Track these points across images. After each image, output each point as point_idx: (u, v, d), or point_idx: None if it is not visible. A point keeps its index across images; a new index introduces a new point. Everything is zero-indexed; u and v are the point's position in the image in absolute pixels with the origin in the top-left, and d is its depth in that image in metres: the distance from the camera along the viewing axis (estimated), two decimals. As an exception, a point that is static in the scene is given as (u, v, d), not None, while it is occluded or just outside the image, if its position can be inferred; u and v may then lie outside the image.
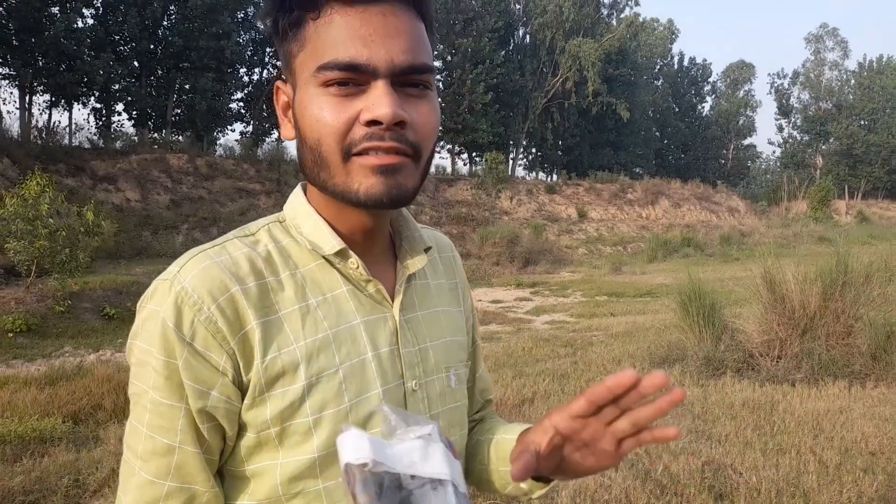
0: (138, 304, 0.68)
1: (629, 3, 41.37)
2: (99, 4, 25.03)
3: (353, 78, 0.65)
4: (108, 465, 3.89)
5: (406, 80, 0.66)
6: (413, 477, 0.43)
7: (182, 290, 0.65)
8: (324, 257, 0.72)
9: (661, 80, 52.18)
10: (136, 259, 16.28)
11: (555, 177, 40.72)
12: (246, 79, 30.64)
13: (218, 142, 29.33)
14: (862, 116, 47.59)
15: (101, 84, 24.49)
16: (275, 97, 0.75)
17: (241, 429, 0.69)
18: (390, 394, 0.72)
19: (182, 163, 23.88)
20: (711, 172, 50.98)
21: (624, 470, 3.51)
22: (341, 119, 0.65)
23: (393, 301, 0.75)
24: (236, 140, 30.94)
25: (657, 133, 50.48)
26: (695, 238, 25.17)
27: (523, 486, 0.76)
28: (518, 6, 39.31)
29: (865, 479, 3.43)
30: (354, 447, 0.43)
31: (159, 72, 27.05)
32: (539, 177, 42.01)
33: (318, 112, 0.66)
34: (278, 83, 0.74)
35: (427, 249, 0.80)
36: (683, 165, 50.86)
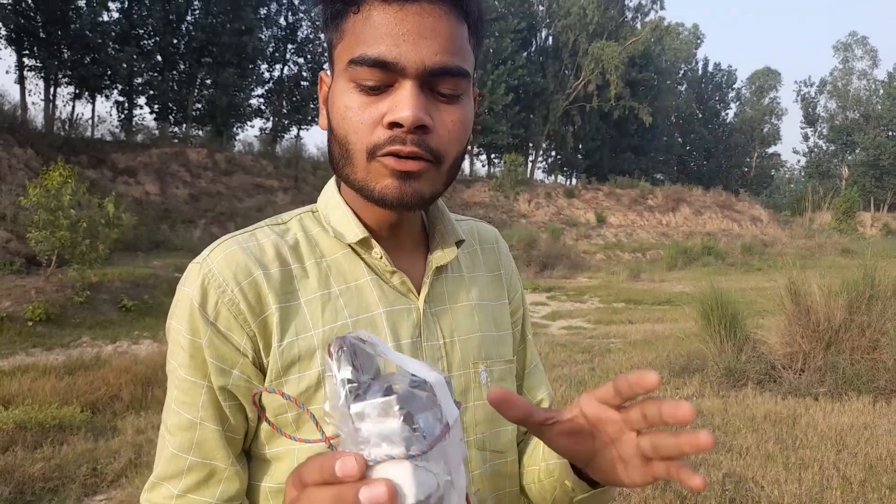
0: (177, 287, 0.71)
1: (654, 6, 41.06)
2: (125, -2, 25.36)
3: (381, 77, 0.64)
4: (126, 456, 3.91)
5: (437, 82, 0.65)
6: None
7: (209, 272, 0.67)
8: (350, 247, 0.73)
9: (684, 86, 51.71)
10: (153, 252, 16.46)
11: (574, 181, 40.54)
12: (267, 75, 30.91)
13: (237, 137, 29.60)
14: (890, 127, 46.77)
15: (124, 77, 24.84)
16: (319, 86, 0.75)
17: (263, 411, 0.69)
18: None
19: (201, 157, 24.11)
20: (734, 180, 50.40)
21: (643, 480, 3.45)
22: (366, 119, 0.65)
23: (419, 293, 0.74)
24: (255, 136, 31.16)
25: (679, 139, 50.03)
26: (716, 247, 24.90)
27: (567, 483, 0.71)
28: (541, 7, 39.20)
29: (892, 496, 3.34)
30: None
31: (181, 66, 27.36)
32: (558, 180, 41.86)
33: (344, 110, 0.66)
34: (322, 73, 0.74)
35: (460, 242, 0.78)
36: (706, 172, 50.36)
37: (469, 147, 0.74)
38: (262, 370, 0.68)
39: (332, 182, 0.78)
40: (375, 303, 0.72)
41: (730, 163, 53.00)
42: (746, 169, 54.21)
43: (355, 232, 0.71)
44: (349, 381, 0.43)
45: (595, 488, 0.70)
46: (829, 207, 34.24)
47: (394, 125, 0.64)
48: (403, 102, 0.63)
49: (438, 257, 0.76)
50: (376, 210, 0.72)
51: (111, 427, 4.59)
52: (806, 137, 54.00)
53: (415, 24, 0.63)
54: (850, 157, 48.78)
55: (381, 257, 0.72)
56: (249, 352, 0.67)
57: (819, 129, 52.77)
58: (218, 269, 0.67)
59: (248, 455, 0.73)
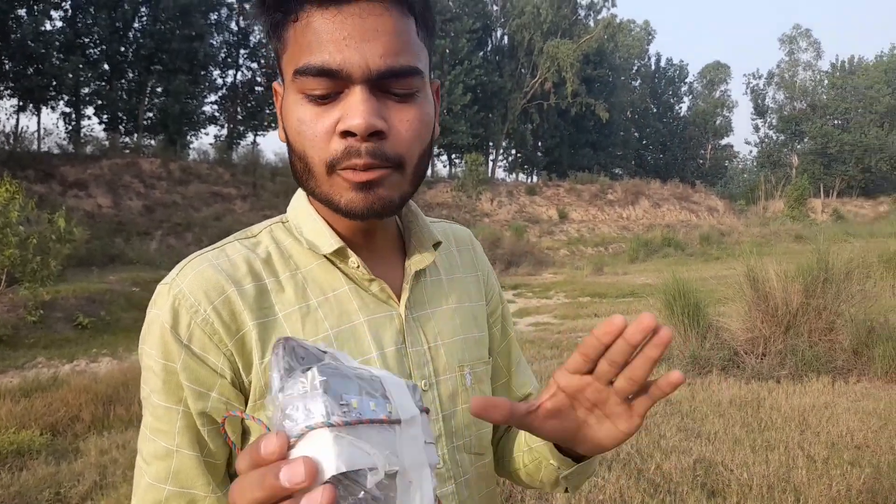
0: (147, 311, 0.68)
1: (606, 4, 41.73)
2: (67, 6, 24.60)
3: (329, 85, 0.62)
4: (90, 478, 3.78)
5: (388, 84, 0.63)
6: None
7: (179, 293, 0.65)
8: (325, 256, 0.71)
9: (638, 81, 52.72)
10: (109, 267, 15.99)
11: (535, 178, 40.90)
12: (220, 81, 30.36)
13: (191, 146, 28.99)
14: (835, 116, 48.51)
15: (70, 87, 24.10)
16: (274, 97, 0.72)
17: (246, 433, 0.67)
18: None
19: (155, 167, 23.55)
20: (690, 172, 51.60)
21: (617, 469, 3.49)
22: (319, 131, 0.63)
23: (399, 299, 0.73)
24: (210, 144, 30.58)
25: (636, 133, 50.98)
26: (675, 238, 25.43)
27: (552, 461, 0.71)
28: (496, 7, 39.46)
29: (853, 472, 3.45)
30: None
31: (130, 74, 26.68)
32: (519, 178, 42.21)
33: (298, 123, 0.64)
34: (275, 84, 0.72)
35: (437, 245, 0.77)
36: (662, 165, 51.40)
37: (435, 139, 0.72)
38: (241, 390, 0.66)
39: (300, 191, 0.75)
40: (356, 312, 0.70)
41: (685, 155, 54.24)
42: (701, 161, 55.56)
43: (330, 242, 0.69)
44: (285, 369, 0.43)
45: (579, 462, 0.70)
46: (782, 196, 35.32)
47: (347, 134, 0.62)
48: (353, 109, 0.61)
49: (416, 261, 0.75)
50: (347, 219, 0.70)
51: (73, 449, 4.42)
52: (756, 128, 55.56)
53: (355, 26, 0.61)
54: (799, 147, 50.41)
55: (358, 266, 0.70)
56: (227, 372, 0.65)
57: (769, 119, 54.42)
58: (188, 288, 0.65)
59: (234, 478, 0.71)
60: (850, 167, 45.42)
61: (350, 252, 0.70)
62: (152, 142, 26.84)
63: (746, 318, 6.47)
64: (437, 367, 0.74)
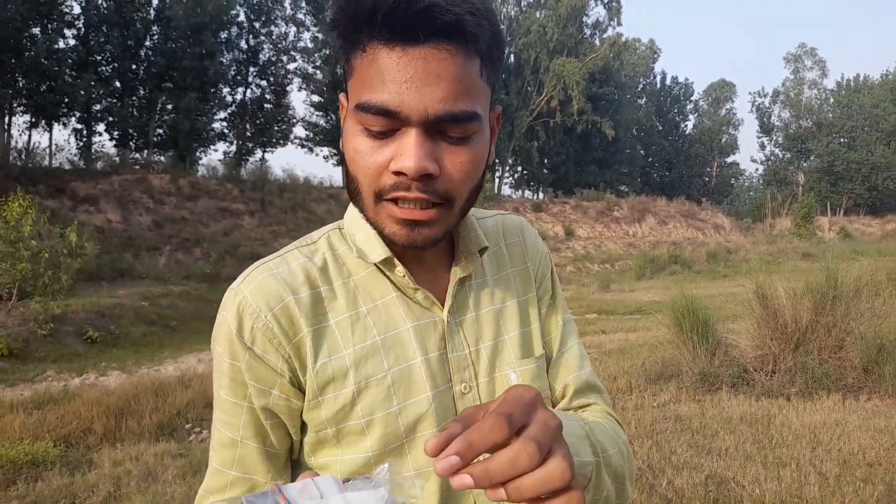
0: (219, 312, 0.74)
1: (611, 23, 42.08)
2: (81, 25, 25.00)
3: (386, 123, 0.64)
4: (105, 489, 3.81)
5: (444, 128, 0.64)
6: None
7: (243, 300, 0.71)
8: (374, 265, 0.75)
9: (644, 99, 52.93)
10: (118, 281, 16.08)
11: (541, 195, 40.99)
12: (229, 98, 30.69)
13: (200, 162, 29.24)
14: (841, 134, 48.51)
15: (82, 104, 24.40)
16: (340, 108, 0.76)
17: (304, 426, 0.74)
18: (440, 397, 0.73)
19: (164, 183, 23.72)
20: (696, 190, 51.58)
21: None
22: (372, 164, 0.65)
23: (443, 305, 0.76)
24: (219, 160, 30.81)
25: (642, 151, 51.07)
26: (682, 255, 25.39)
27: None
28: (502, 26, 39.70)
29: (866, 489, 3.45)
30: None
31: (141, 92, 27.02)
32: (525, 195, 42.31)
33: (353, 152, 0.67)
34: (341, 95, 0.75)
35: (483, 250, 0.79)
36: (668, 183, 51.44)
37: (488, 165, 0.75)
38: (300, 389, 0.72)
39: None
40: (402, 319, 0.74)
41: (691, 172, 54.26)
42: (707, 178, 55.57)
43: (378, 252, 0.73)
44: None
45: None
46: (788, 213, 35.23)
47: (399, 173, 0.64)
48: (407, 152, 0.63)
49: (461, 269, 0.77)
50: None
51: (86, 461, 4.46)
52: (762, 146, 55.57)
53: (418, 69, 0.61)
54: (805, 164, 50.40)
55: (404, 276, 0.74)
56: (286, 372, 0.71)
57: (774, 137, 54.48)
58: (251, 296, 0.71)
59: (297, 463, 0.77)
60: (856, 185, 45.34)
61: (396, 262, 0.73)
62: (162, 158, 27.10)
63: (755, 335, 6.46)
64: (477, 370, 0.76)
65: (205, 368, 7.98)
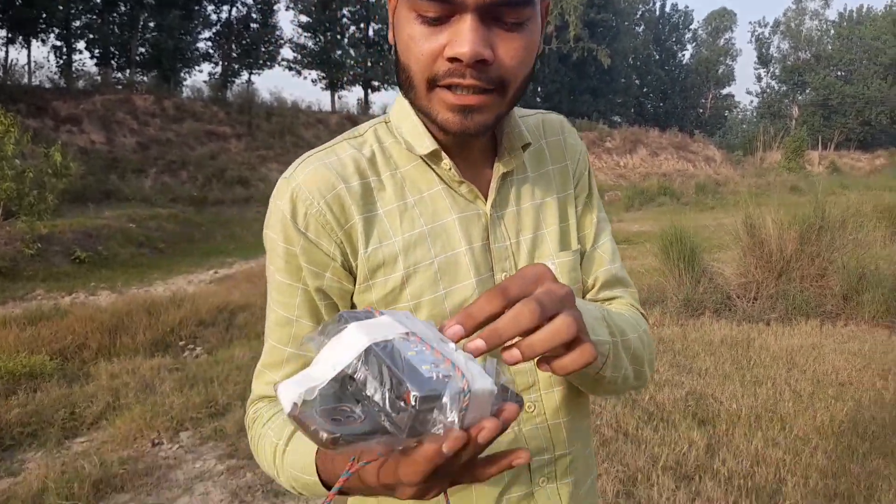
0: (270, 200, 0.77)
1: (612, -56, 40.38)
2: (58, -66, 23.60)
3: (441, 9, 0.63)
4: (104, 399, 3.92)
5: (500, 12, 0.64)
6: (342, 371, 0.44)
7: (296, 188, 0.73)
8: (420, 157, 0.76)
9: (642, 27, 51.52)
10: (104, 203, 15.93)
11: (533, 124, 40.37)
12: (214, 17, 29.44)
13: (185, 83, 28.33)
14: (839, 67, 47.77)
15: (60, 20, 23.37)
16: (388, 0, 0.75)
17: (354, 308, 0.77)
18: (483, 284, 0.76)
19: (148, 104, 23.07)
20: (689, 121, 51.06)
21: (612, 399, 3.64)
22: (426, 51, 0.65)
23: (486, 198, 0.78)
24: (204, 81, 29.88)
25: (637, 81, 50.15)
26: (671, 187, 25.40)
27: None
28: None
29: (837, 405, 3.62)
30: (285, 396, 0.43)
31: (122, 8, 25.82)
32: (517, 124, 41.62)
33: (407, 39, 0.67)
34: None
35: (526, 146, 0.81)
36: (662, 114, 50.82)
37: (539, 55, 0.75)
38: (351, 273, 0.75)
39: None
40: (447, 210, 0.76)
41: (685, 104, 53.55)
42: (701, 110, 54.92)
43: (426, 144, 0.75)
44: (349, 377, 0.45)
45: None
46: (780, 147, 35.10)
47: (453, 59, 0.64)
48: (462, 37, 0.62)
49: (505, 163, 0.79)
50: None
51: (83, 373, 4.56)
52: (759, 78, 54.76)
53: None
54: (800, 98, 49.82)
55: (450, 168, 0.75)
56: (338, 257, 0.74)
57: (772, 69, 53.56)
58: (304, 184, 0.73)
59: None
60: (849, 120, 45.04)
61: (443, 154, 0.75)
62: (145, 78, 26.25)
63: (740, 264, 6.59)
64: (517, 261, 0.79)
65: (195, 289, 8.05)
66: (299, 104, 27.64)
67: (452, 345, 0.47)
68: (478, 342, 0.48)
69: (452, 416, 0.42)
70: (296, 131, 25.05)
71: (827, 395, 3.82)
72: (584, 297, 0.86)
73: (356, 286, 0.76)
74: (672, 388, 3.91)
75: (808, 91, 48.61)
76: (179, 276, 9.85)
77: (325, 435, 0.42)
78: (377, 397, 0.43)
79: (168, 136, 22.49)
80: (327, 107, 29.46)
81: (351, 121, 26.00)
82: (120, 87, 24.25)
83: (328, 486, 0.65)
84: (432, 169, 0.77)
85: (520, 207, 0.81)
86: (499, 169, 0.79)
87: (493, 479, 0.58)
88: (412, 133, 0.76)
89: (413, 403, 0.41)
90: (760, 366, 4.43)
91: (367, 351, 0.44)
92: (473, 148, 0.79)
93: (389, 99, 40.37)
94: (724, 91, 56.94)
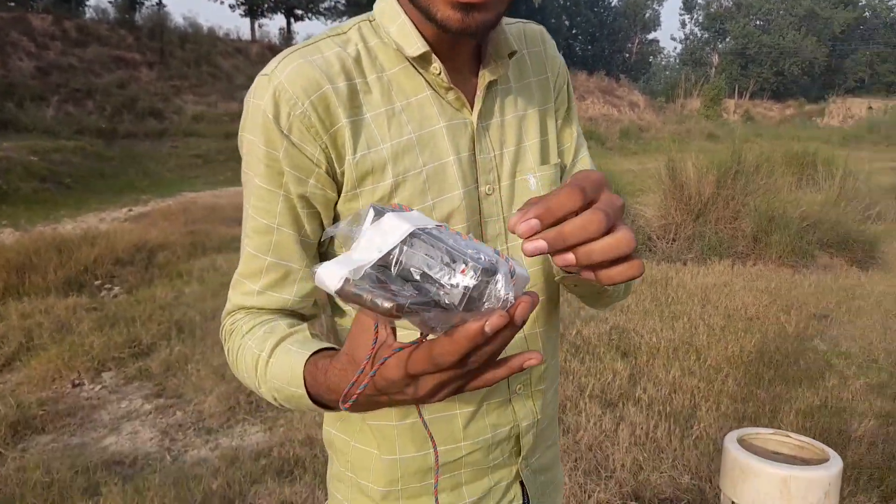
0: (245, 100, 0.71)
1: None
2: None
3: None
4: (16, 340, 3.71)
5: None
6: (389, 253, 0.44)
7: (279, 86, 0.68)
8: (408, 60, 0.73)
9: (572, -35, 51.06)
10: (1, 133, 14.66)
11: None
12: (121, -72, 26.86)
13: (87, 3, 26.01)
14: (759, 16, 49.32)
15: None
16: None
17: (337, 218, 0.74)
18: (468, 196, 0.75)
19: (47, 25, 21.08)
20: (616, 66, 51.65)
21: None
22: None
23: (472, 108, 0.76)
24: (109, 2, 27.51)
25: (567, 22, 50.04)
26: (596, 131, 25.88)
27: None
28: None
29: (746, 337, 3.90)
30: (329, 276, 0.44)
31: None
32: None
33: None
34: None
35: (512, 54, 0.77)
36: (590, 57, 51.13)
37: None
38: (335, 180, 0.71)
39: None
40: (436, 117, 0.73)
41: (612, 48, 54.06)
42: (627, 55, 55.67)
43: (417, 46, 0.71)
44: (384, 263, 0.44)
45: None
46: (699, 95, 36.26)
47: None
48: None
49: (491, 71, 0.76)
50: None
51: (-9, 314, 4.28)
52: (683, 24, 55.80)
53: None
54: (721, 46, 51.35)
55: (440, 73, 0.72)
56: (323, 163, 0.70)
57: (695, 16, 54.73)
58: (288, 82, 0.68)
59: (325, 256, 0.78)
60: (765, 69, 46.93)
61: (434, 58, 0.71)
62: (41, -5, 23.88)
63: (661, 207, 6.86)
64: (500, 173, 0.78)
65: (108, 227, 7.62)
66: (216, 31, 26.01)
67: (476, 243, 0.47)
68: (539, 243, 0.47)
69: (507, 292, 0.42)
70: (213, 61, 23.59)
71: (737, 328, 4.11)
72: None
73: (342, 194, 0.72)
74: (597, 323, 4.09)
75: (728, 39, 50.11)
76: (90, 214, 9.28)
77: (387, 303, 0.41)
78: (433, 272, 0.42)
79: (70, 62, 20.70)
80: (246, 34, 27.87)
81: (272, 51, 24.71)
82: (13, 3, 22.02)
83: (315, 400, 0.63)
84: (420, 73, 0.73)
85: (503, 118, 0.79)
86: (485, 77, 0.76)
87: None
88: (401, 34, 0.72)
89: (472, 275, 0.41)
90: (678, 302, 4.69)
91: (413, 235, 0.43)
92: (461, 53, 0.75)
93: (314, 29, 38.54)
94: (650, 36, 57.81)
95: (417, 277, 0.43)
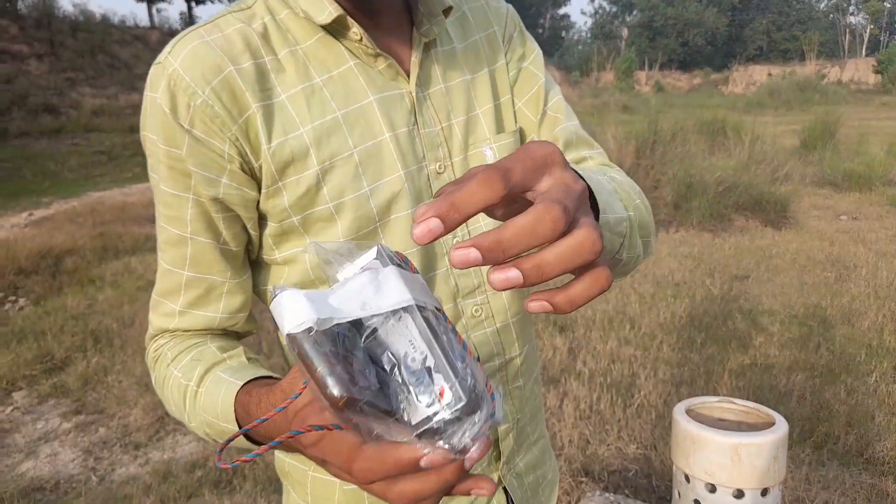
0: (144, 94, 0.62)
1: None
2: None
3: None
4: None
5: None
6: (372, 318, 0.35)
7: (174, 74, 0.59)
8: (324, 28, 0.63)
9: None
10: None
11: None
12: None
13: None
14: (662, -11, 51.01)
15: None
16: None
17: (263, 218, 0.65)
18: (412, 177, 0.65)
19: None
20: (529, 42, 52.39)
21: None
22: None
23: (409, 76, 0.66)
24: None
25: (479, 0, 50.17)
26: (516, 106, 26.21)
27: None
28: None
29: (676, 303, 4.02)
30: (292, 311, 0.33)
31: None
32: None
33: None
34: None
35: (447, 11, 0.68)
36: (503, 34, 51.59)
37: None
38: (252, 176, 0.62)
39: None
40: (363, 90, 0.64)
41: (525, 24, 54.70)
42: (540, 31, 56.49)
43: (328, 10, 0.61)
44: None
45: None
46: (612, 68, 37.24)
47: None
48: None
49: (425, 32, 0.67)
50: None
51: None
52: (592, -1, 57.04)
53: None
54: (629, 19, 52.85)
55: (361, 38, 0.62)
56: (235, 158, 0.60)
57: (603, -10, 56.05)
58: (183, 68, 0.58)
59: (256, 263, 0.70)
60: (671, 41, 48.73)
61: (351, 21, 0.62)
62: None
63: (585, 179, 7.01)
64: (451, 147, 0.68)
65: (8, 235, 7.04)
66: (111, 18, 24.49)
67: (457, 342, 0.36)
68: (470, 253, 0.32)
69: (468, 440, 0.33)
70: (109, 50, 22.21)
71: (666, 294, 4.23)
72: None
73: (262, 191, 0.62)
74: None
75: (635, 12, 51.64)
76: (-14, 221, 8.56)
77: (336, 390, 0.31)
78: (405, 372, 0.33)
79: (-51, 55, 18.99)
80: (145, 21, 26.39)
81: (174, 37, 23.58)
82: None
83: (248, 436, 0.54)
84: (340, 42, 0.64)
85: (448, 85, 0.69)
86: (419, 39, 0.67)
87: None
88: (309, 0, 0.62)
89: (450, 403, 0.32)
90: (608, 272, 4.79)
91: (408, 310, 0.34)
92: (384, 13, 0.66)
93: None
94: (561, 11, 58.92)
95: (386, 366, 0.34)
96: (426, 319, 0.34)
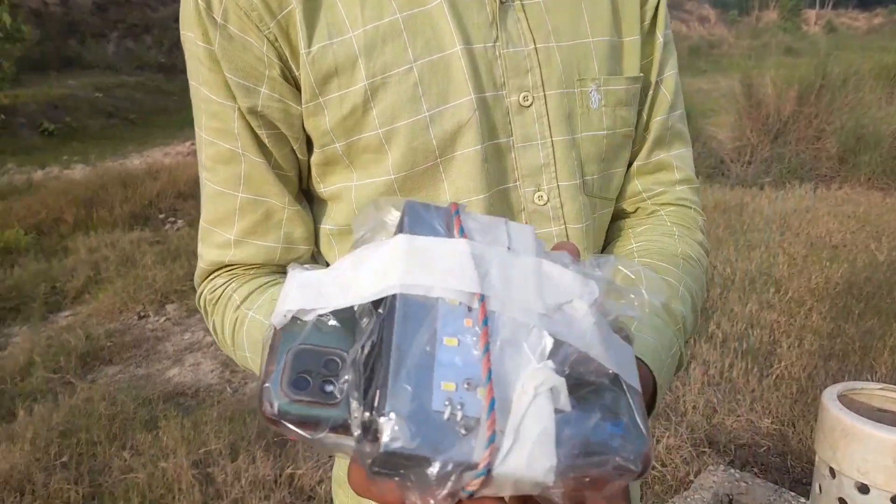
0: None
1: None
2: None
3: None
4: (84, 273, 3.80)
5: None
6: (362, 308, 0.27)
7: None
8: None
9: None
10: (66, 70, 14.97)
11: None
12: None
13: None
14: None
15: None
16: None
17: (309, 142, 0.55)
18: (485, 105, 0.52)
19: (103, -41, 21.16)
20: (683, -23, 48.31)
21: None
22: None
23: None
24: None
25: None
26: (662, 49, 24.52)
27: None
28: None
29: (832, 267, 3.61)
30: (281, 299, 0.28)
31: None
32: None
33: None
34: None
35: None
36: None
37: None
38: (296, 86, 0.52)
39: None
40: None
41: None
42: (697, -35, 51.83)
43: None
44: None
45: None
46: (776, 6, 33.56)
47: None
48: None
49: None
50: None
51: (62, 248, 4.42)
52: (760, -72, 51.11)
53: None
54: (802, -50, 47.00)
55: None
56: (275, 61, 0.50)
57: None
58: None
59: (307, 193, 0.60)
60: (852, -26, 42.83)
61: None
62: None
63: (735, 127, 6.41)
64: (545, 77, 0.54)
65: (171, 161, 7.73)
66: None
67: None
68: None
69: (431, 498, 0.24)
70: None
71: (821, 257, 3.80)
72: (631, 162, 0.64)
73: (304, 106, 0.52)
74: (666, 253, 3.87)
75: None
76: (155, 149, 9.47)
77: (269, 404, 0.25)
78: (354, 392, 0.25)
79: (127, -4, 20.84)
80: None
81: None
82: (67, -61, 22.07)
83: None
84: None
85: None
86: None
87: None
88: None
89: (379, 440, 0.23)
90: (754, 230, 4.39)
91: (390, 300, 0.26)
92: None
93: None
94: (723, -57, 53.46)
95: (354, 374, 0.26)
96: (415, 313, 0.26)
